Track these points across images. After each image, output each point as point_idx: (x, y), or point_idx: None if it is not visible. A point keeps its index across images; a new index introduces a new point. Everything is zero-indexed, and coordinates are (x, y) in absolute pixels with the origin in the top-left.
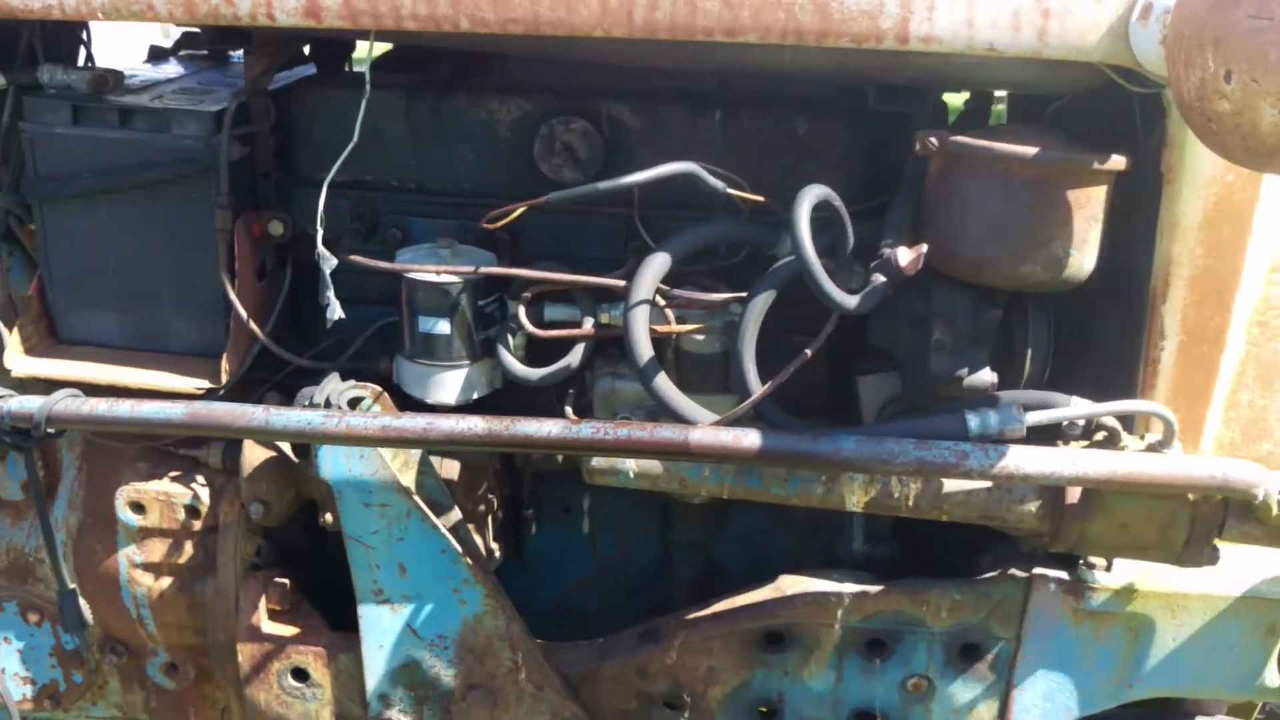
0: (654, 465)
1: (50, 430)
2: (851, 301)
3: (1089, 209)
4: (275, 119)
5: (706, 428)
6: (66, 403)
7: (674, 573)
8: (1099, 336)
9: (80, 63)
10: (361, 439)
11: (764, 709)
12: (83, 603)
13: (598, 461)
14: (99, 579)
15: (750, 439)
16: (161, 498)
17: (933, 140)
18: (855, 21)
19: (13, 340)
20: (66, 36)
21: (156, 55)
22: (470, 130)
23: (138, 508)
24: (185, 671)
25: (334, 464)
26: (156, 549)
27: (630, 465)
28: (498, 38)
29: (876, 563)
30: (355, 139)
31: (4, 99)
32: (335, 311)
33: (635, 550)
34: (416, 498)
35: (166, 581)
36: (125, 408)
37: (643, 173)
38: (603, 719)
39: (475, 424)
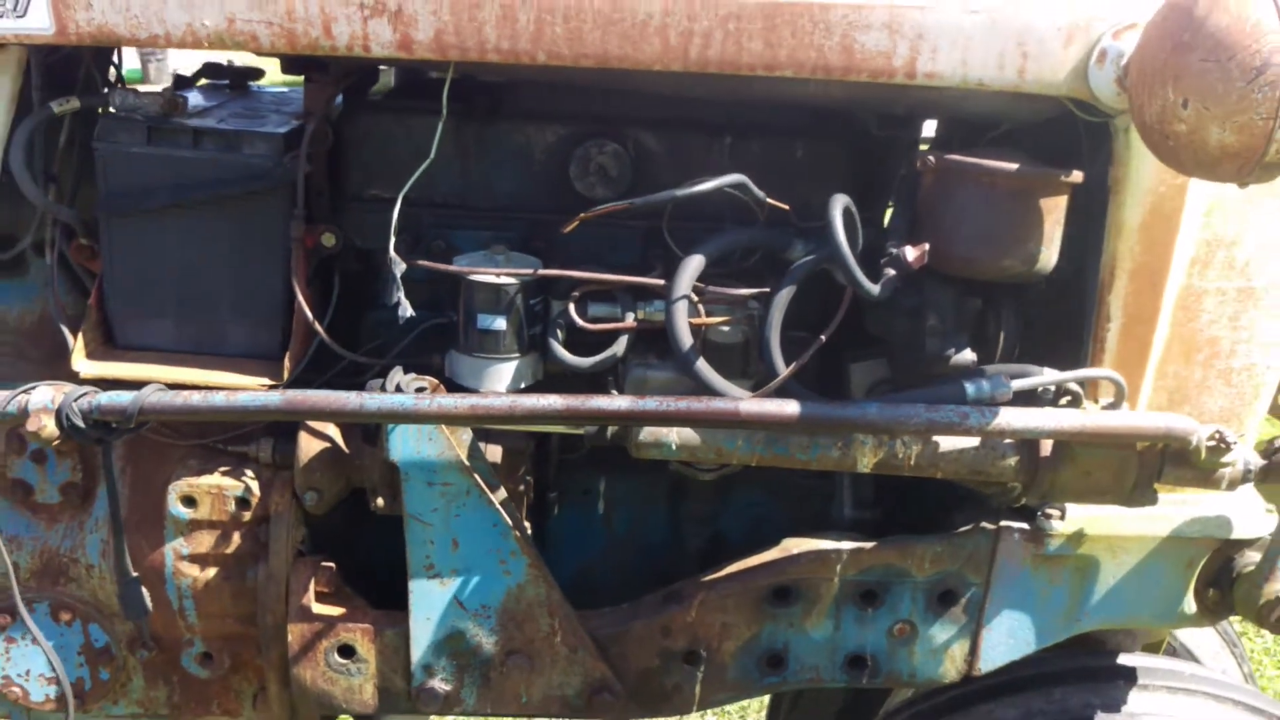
0: (694, 438)
1: (141, 423)
2: (875, 289)
3: (1055, 214)
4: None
5: (753, 398)
6: (158, 395)
7: (683, 546)
8: (1052, 320)
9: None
10: (452, 417)
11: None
12: (144, 590)
13: (645, 435)
14: (141, 574)
15: (791, 407)
16: (214, 490)
17: (930, 158)
18: (873, 60)
19: (78, 346)
20: (102, 63)
21: (180, 84)
22: (510, 152)
23: (189, 501)
24: (220, 660)
25: (403, 446)
26: (205, 540)
27: (674, 438)
28: (534, 68)
29: (863, 525)
30: (432, 157)
31: (62, 122)
32: (406, 310)
33: (646, 527)
34: (476, 475)
35: (213, 571)
36: (220, 398)
37: (708, 182)
38: (628, 677)
39: (554, 401)
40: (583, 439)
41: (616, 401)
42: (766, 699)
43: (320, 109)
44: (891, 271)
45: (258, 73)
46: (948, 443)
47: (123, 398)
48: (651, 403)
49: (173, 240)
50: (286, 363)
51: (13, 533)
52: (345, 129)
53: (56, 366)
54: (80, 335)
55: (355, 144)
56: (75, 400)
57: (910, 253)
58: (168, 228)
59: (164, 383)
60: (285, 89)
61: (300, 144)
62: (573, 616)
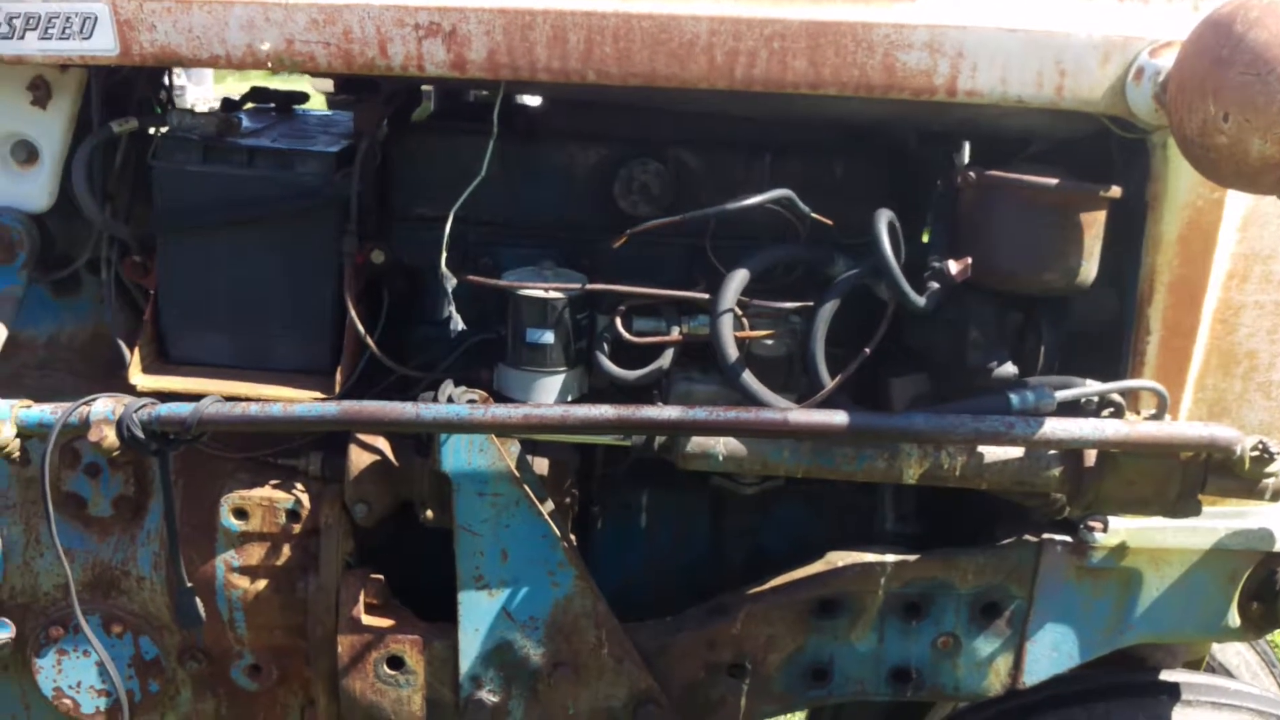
0: (740, 449)
1: (199, 434)
2: (921, 302)
3: (1094, 228)
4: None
5: (802, 409)
6: (216, 406)
7: (724, 560)
8: (1091, 334)
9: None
10: (506, 427)
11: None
12: (198, 600)
13: (692, 446)
14: (195, 585)
15: (839, 417)
16: (264, 503)
17: (970, 174)
18: (915, 78)
19: (134, 360)
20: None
21: (230, 106)
22: (553, 171)
23: (241, 514)
24: (269, 672)
25: (455, 457)
26: (256, 552)
27: (720, 449)
28: (577, 88)
29: (906, 539)
30: (483, 174)
31: (118, 142)
32: (458, 324)
33: (688, 541)
34: (526, 486)
35: (263, 583)
36: (277, 408)
37: (754, 197)
38: (673, 689)
39: (606, 410)
40: (628, 452)
41: (666, 411)
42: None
43: (371, 129)
44: (935, 285)
45: (303, 96)
46: (993, 453)
47: (182, 409)
48: (701, 412)
49: (225, 257)
50: (338, 376)
51: (65, 546)
52: (392, 149)
53: (109, 382)
54: (136, 350)
55: (402, 163)
56: (135, 411)
57: (953, 266)
58: (221, 244)
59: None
60: (329, 112)
61: (350, 163)
62: (619, 628)
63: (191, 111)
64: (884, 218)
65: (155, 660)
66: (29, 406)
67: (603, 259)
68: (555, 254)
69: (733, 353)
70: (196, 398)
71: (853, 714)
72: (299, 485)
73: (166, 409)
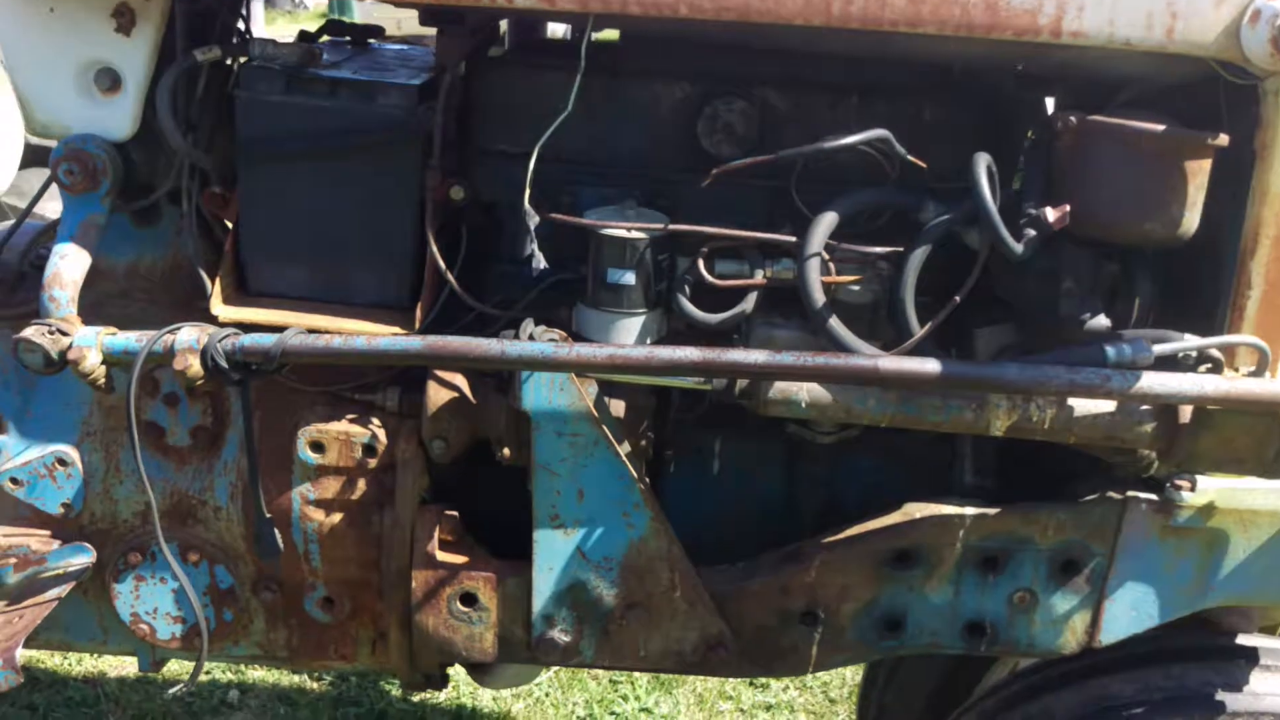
0: (824, 396)
1: (281, 365)
2: (1019, 248)
3: (1199, 178)
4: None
5: (892, 356)
6: (301, 338)
7: (796, 508)
8: (1187, 287)
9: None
10: (590, 366)
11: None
12: (276, 532)
13: (774, 392)
14: (271, 516)
15: (931, 365)
16: (341, 437)
17: (1071, 119)
18: (1018, 18)
19: (215, 290)
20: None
21: (306, 39)
22: (635, 110)
23: (317, 447)
24: (341, 605)
25: (536, 396)
26: (332, 486)
27: (804, 396)
28: (664, 23)
29: (983, 493)
30: (569, 109)
31: (200, 71)
32: (540, 263)
33: (760, 489)
34: (604, 427)
35: (338, 517)
36: (361, 341)
37: (850, 136)
38: (744, 634)
39: (690, 353)
40: (703, 397)
41: (752, 355)
42: (859, 680)
43: (454, 62)
44: (1032, 233)
45: (378, 30)
46: (1084, 407)
47: (265, 339)
48: (788, 357)
49: (306, 189)
50: (418, 311)
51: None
52: (473, 83)
53: (187, 311)
54: (216, 280)
55: (482, 99)
56: (219, 341)
57: (1051, 214)
58: (301, 176)
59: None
60: (403, 46)
61: (432, 96)
62: (692, 572)
63: (274, 42)
64: (983, 162)
65: (230, 589)
66: (114, 334)
67: (683, 199)
68: (635, 194)
69: (820, 297)
70: (276, 329)
71: (908, 675)
72: (375, 420)
73: (250, 339)
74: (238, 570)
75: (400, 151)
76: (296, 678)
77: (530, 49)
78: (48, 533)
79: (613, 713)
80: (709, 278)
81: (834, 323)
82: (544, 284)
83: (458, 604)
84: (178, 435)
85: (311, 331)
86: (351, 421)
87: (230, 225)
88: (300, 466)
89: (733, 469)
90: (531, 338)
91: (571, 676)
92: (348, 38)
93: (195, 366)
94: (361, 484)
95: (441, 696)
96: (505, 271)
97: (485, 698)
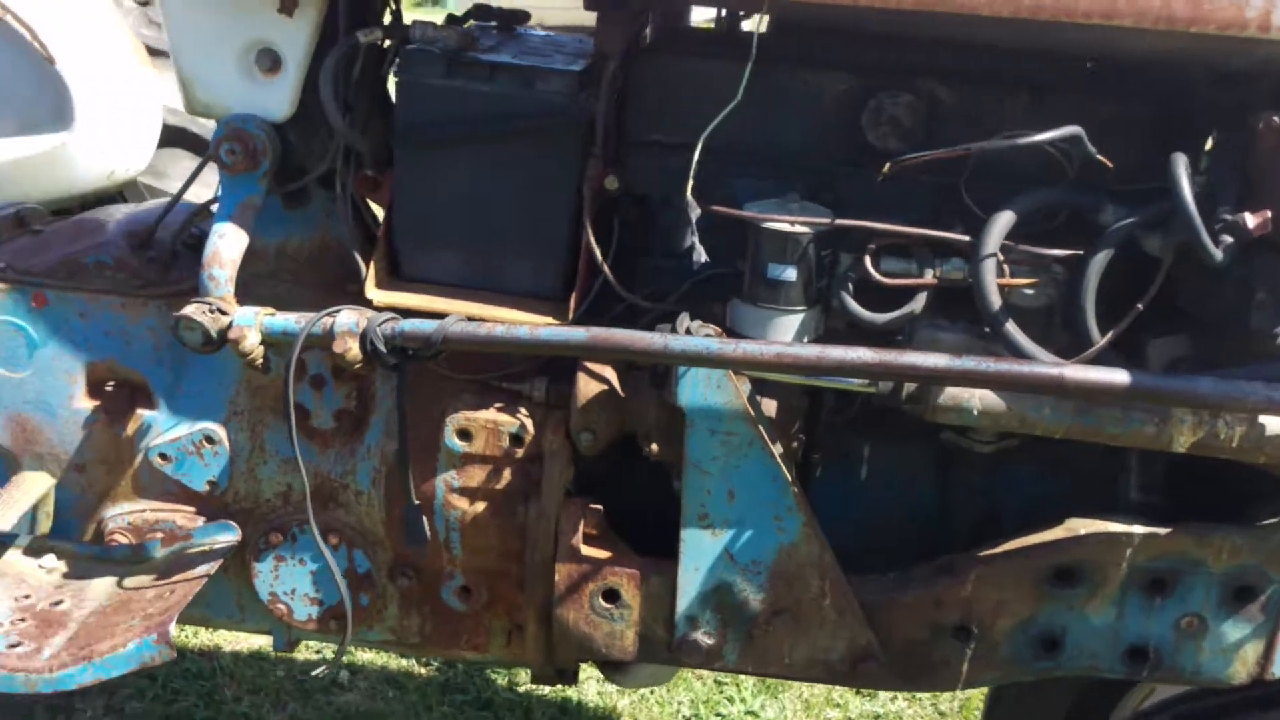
0: (997, 404)
1: (438, 351)
2: (1219, 254)
3: None
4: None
5: (1078, 366)
6: (462, 325)
7: (950, 519)
8: None
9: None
10: (758, 364)
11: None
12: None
13: (945, 399)
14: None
15: (1119, 376)
16: (489, 425)
17: (1275, 119)
18: (1223, 11)
19: (369, 274)
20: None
21: (453, 21)
22: (796, 100)
23: (465, 435)
24: (478, 595)
25: (692, 392)
26: (477, 474)
27: (976, 403)
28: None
29: (1150, 510)
30: (739, 98)
31: (356, 53)
32: (701, 256)
33: (911, 496)
34: (760, 427)
35: (482, 506)
36: (524, 331)
37: (1042, 133)
38: (894, 647)
39: (864, 354)
40: (856, 399)
41: (930, 359)
42: (968, 694)
43: (616, 48)
44: (1229, 239)
45: (524, 15)
46: (1276, 425)
47: (425, 325)
48: (969, 362)
49: (462, 174)
50: (572, 302)
51: (288, 454)
52: (632, 71)
53: (334, 294)
54: (371, 264)
55: (639, 87)
56: (379, 325)
57: (1250, 220)
58: (458, 162)
59: (450, 315)
60: (548, 32)
61: (592, 83)
62: (843, 580)
63: (433, 25)
64: (1181, 163)
65: (368, 574)
66: (273, 315)
67: (843, 193)
68: (793, 187)
69: (996, 300)
70: (429, 315)
71: (1041, 692)
72: (523, 410)
73: (410, 325)
74: (375, 555)
75: (559, 139)
76: (405, 662)
77: (679, 37)
78: (192, 509)
79: (718, 714)
80: (876, 275)
81: (1011, 327)
82: (696, 278)
83: (600, 600)
84: (322, 418)
85: (469, 319)
86: (499, 410)
87: (379, 209)
88: (446, 453)
89: (883, 475)
90: (689, 332)
91: (677, 675)
92: (494, 22)
93: (354, 350)
94: (507, 473)
95: (546, 689)
96: (656, 265)
97: (590, 691)
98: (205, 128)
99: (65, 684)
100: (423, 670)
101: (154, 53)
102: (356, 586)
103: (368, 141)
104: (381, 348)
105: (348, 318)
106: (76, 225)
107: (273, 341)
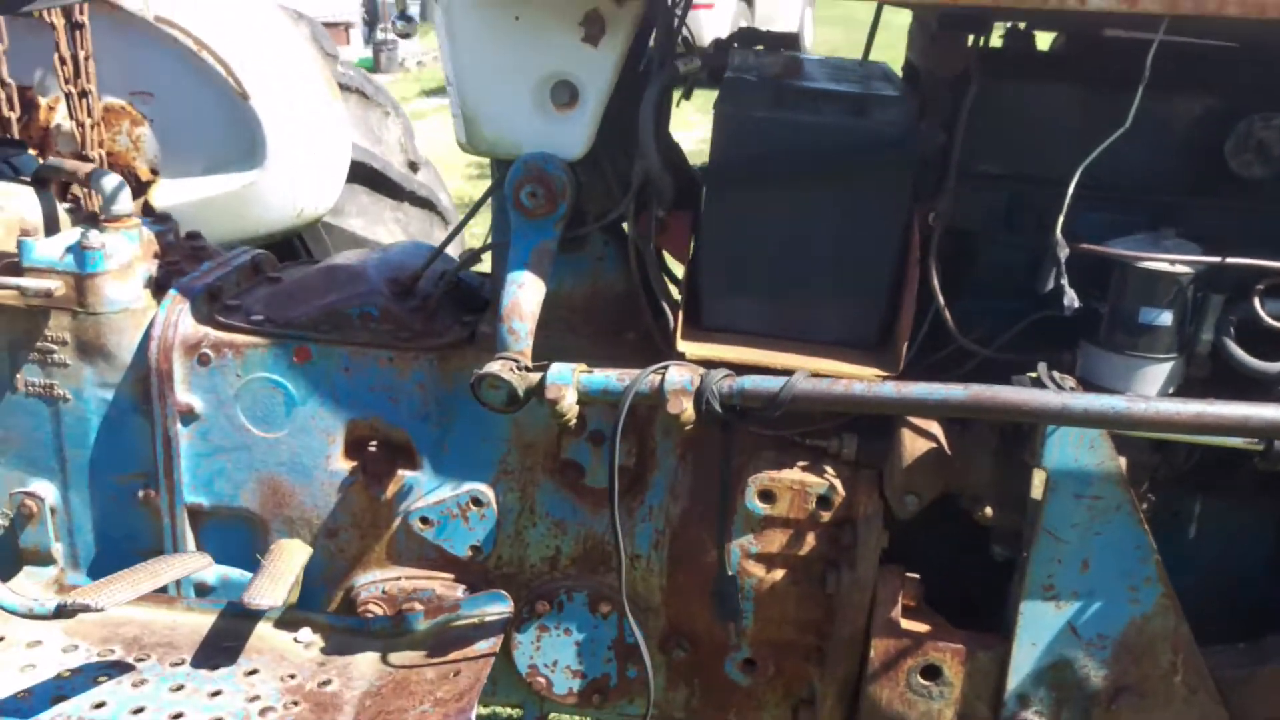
0: None
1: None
2: None
3: None
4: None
5: None
6: (811, 382)
7: None
8: None
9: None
10: (1172, 425)
11: None
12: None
13: None
14: (700, 569)
15: None
16: (795, 486)
17: None
18: None
19: (678, 325)
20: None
21: (719, 46)
22: (1147, 126)
23: (768, 496)
24: (764, 668)
25: (1061, 453)
26: (778, 539)
27: None
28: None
29: None
30: (1128, 124)
31: (675, 85)
32: (1073, 301)
33: (1247, 559)
34: (1131, 491)
35: (782, 573)
36: (889, 389)
37: None
38: None
39: None
40: (1190, 455)
41: None
42: None
43: (954, 72)
44: None
45: (792, 38)
46: None
47: (769, 383)
48: None
49: (778, 213)
50: (902, 349)
51: (559, 516)
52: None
53: (610, 343)
54: (679, 315)
55: (972, 115)
56: (716, 383)
57: None
58: (775, 199)
59: (765, 367)
60: (823, 56)
61: (929, 110)
62: (1197, 654)
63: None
64: None
65: (636, 645)
66: (590, 372)
67: (1193, 227)
68: (1141, 220)
69: None
70: (736, 367)
71: None
72: (829, 469)
73: (751, 382)
74: (648, 624)
75: (892, 172)
76: None
77: (999, 58)
78: (451, 576)
79: None
80: (1267, 319)
81: None
82: (1025, 321)
83: (918, 677)
84: (597, 475)
85: (772, 372)
86: (804, 469)
87: (665, 253)
88: (745, 516)
89: (1212, 534)
90: (1056, 385)
91: None
92: (760, 46)
93: (689, 410)
94: (811, 538)
95: None
96: (975, 307)
97: None
98: (386, 164)
99: None
100: None
101: (344, 89)
102: (624, 657)
103: (670, 180)
104: (717, 407)
105: (679, 375)
106: (328, 273)
107: (590, 400)
